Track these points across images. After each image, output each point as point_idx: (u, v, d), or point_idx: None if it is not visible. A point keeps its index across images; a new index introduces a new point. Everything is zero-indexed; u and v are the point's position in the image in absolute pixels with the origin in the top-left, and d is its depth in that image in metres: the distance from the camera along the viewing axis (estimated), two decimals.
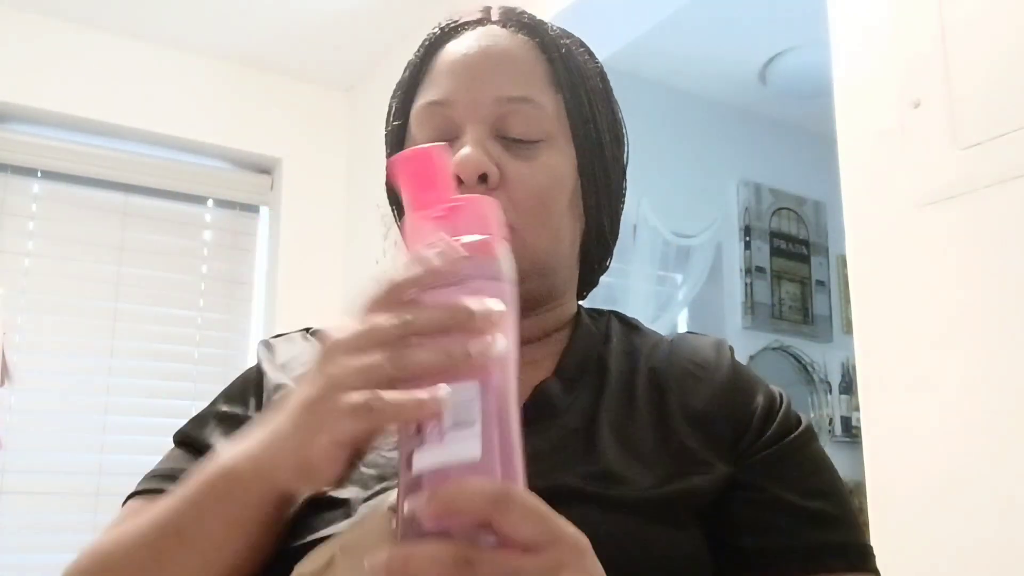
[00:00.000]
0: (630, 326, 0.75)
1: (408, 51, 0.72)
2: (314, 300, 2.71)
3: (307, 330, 0.77)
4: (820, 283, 3.44)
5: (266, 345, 0.75)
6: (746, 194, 3.31)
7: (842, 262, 3.37)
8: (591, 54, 0.72)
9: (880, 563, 0.63)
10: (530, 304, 0.66)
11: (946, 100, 1.19)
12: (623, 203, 0.74)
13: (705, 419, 0.64)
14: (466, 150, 0.63)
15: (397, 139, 0.71)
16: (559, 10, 2.06)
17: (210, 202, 2.94)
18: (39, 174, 2.69)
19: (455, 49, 0.68)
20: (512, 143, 0.65)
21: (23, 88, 2.60)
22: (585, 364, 0.68)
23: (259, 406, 0.69)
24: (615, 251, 0.75)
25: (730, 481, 0.62)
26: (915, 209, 1.22)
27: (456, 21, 0.70)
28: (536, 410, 0.63)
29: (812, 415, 3.31)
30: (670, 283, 3.11)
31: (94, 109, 2.69)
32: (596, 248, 0.72)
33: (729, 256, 3.24)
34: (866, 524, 1.18)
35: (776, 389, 0.69)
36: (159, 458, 0.70)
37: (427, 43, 0.70)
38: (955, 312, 1.16)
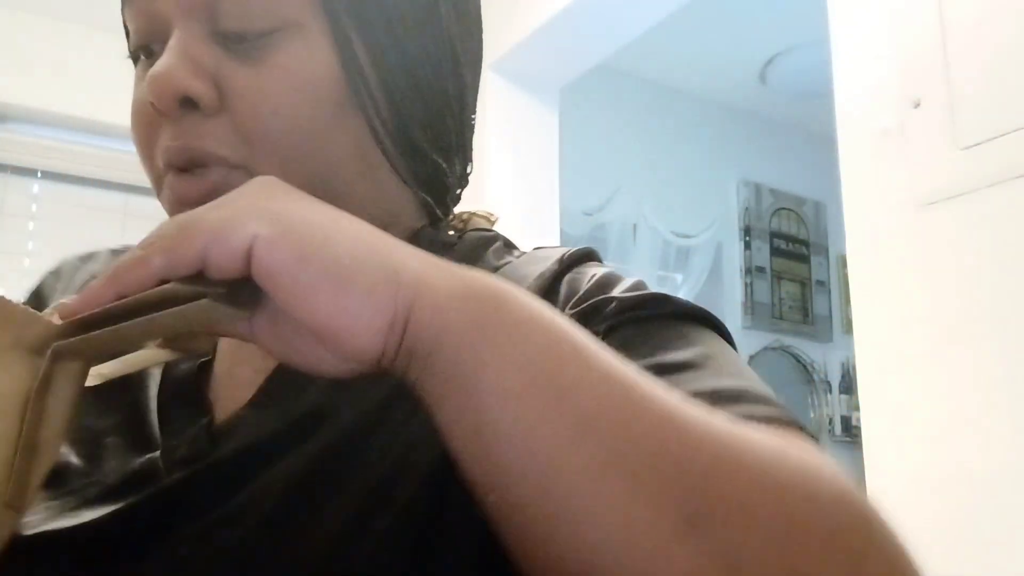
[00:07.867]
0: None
1: None
2: None
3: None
4: (820, 283, 3.44)
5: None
6: (746, 194, 3.31)
7: (842, 262, 3.37)
8: None
9: None
10: None
11: (946, 100, 1.19)
12: (453, 96, 0.52)
13: None
14: (158, 64, 0.46)
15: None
16: (559, 10, 2.06)
17: None
18: (39, 174, 2.69)
19: None
20: (234, 41, 0.45)
21: (23, 88, 2.60)
22: None
23: None
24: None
25: None
26: (915, 209, 1.22)
27: None
28: None
29: (812, 415, 3.32)
30: (670, 283, 3.10)
31: (94, 109, 2.69)
32: (418, 145, 0.50)
33: (729, 256, 3.24)
34: None
35: None
36: None
37: None
38: (955, 312, 1.16)
